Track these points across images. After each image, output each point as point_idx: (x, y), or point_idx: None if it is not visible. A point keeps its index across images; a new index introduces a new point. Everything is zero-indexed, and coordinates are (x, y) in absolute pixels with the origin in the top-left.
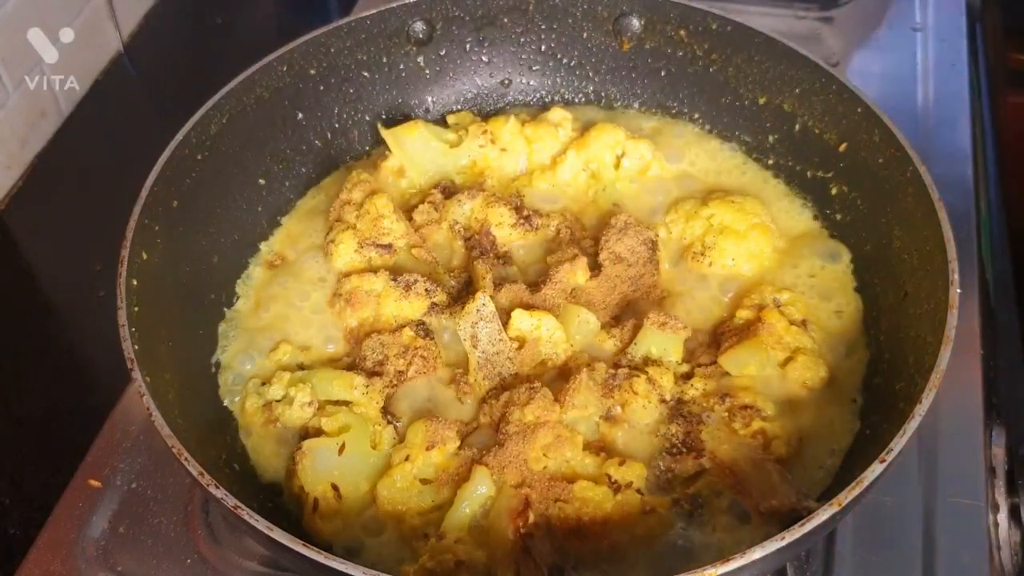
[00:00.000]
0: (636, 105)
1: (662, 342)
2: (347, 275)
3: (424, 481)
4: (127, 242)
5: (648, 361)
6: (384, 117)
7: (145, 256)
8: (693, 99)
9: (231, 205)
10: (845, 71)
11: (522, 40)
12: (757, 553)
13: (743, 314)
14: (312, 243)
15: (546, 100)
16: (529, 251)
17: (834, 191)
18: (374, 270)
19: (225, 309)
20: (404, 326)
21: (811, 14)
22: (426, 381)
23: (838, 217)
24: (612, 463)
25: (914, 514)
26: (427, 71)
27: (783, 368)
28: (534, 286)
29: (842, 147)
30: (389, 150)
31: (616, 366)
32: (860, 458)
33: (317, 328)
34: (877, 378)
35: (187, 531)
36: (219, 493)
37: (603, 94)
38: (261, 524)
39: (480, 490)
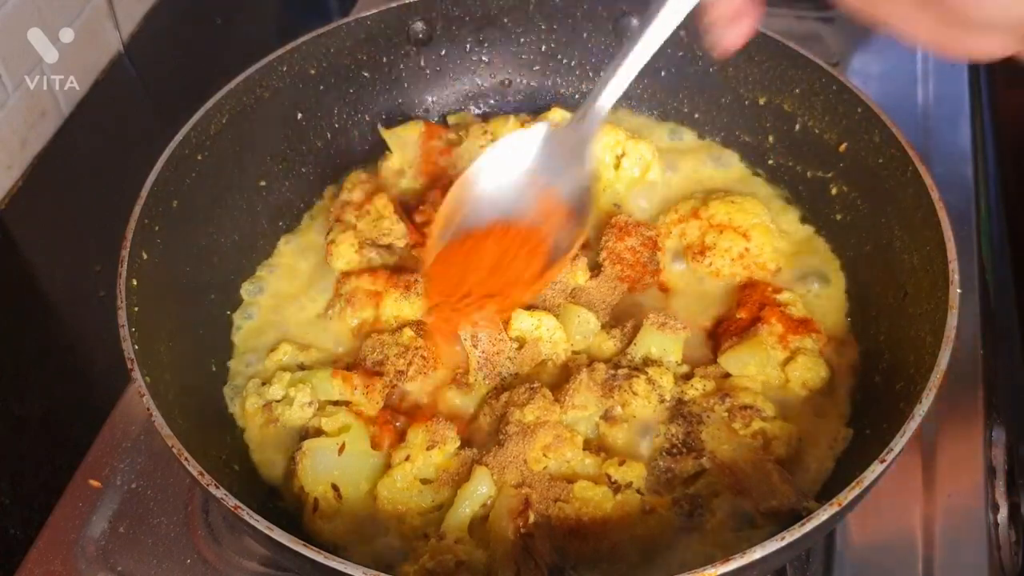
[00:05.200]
0: (636, 105)
1: (662, 342)
2: (347, 275)
3: (424, 481)
4: (127, 242)
5: (648, 361)
6: (384, 117)
7: (145, 256)
8: (693, 99)
9: (231, 205)
10: (845, 71)
11: (522, 40)
12: (757, 553)
13: (743, 314)
14: (313, 243)
15: (546, 100)
16: None
17: (834, 191)
18: (374, 270)
19: (226, 310)
20: (404, 326)
21: (811, 14)
22: (426, 381)
23: (838, 217)
24: (612, 463)
25: (914, 514)
26: (427, 71)
27: (783, 368)
28: None
29: (842, 147)
30: (389, 150)
31: (616, 366)
32: (860, 458)
33: (317, 328)
34: (877, 378)
35: (187, 531)
36: (219, 493)
37: None
38: (261, 524)
39: (480, 490)
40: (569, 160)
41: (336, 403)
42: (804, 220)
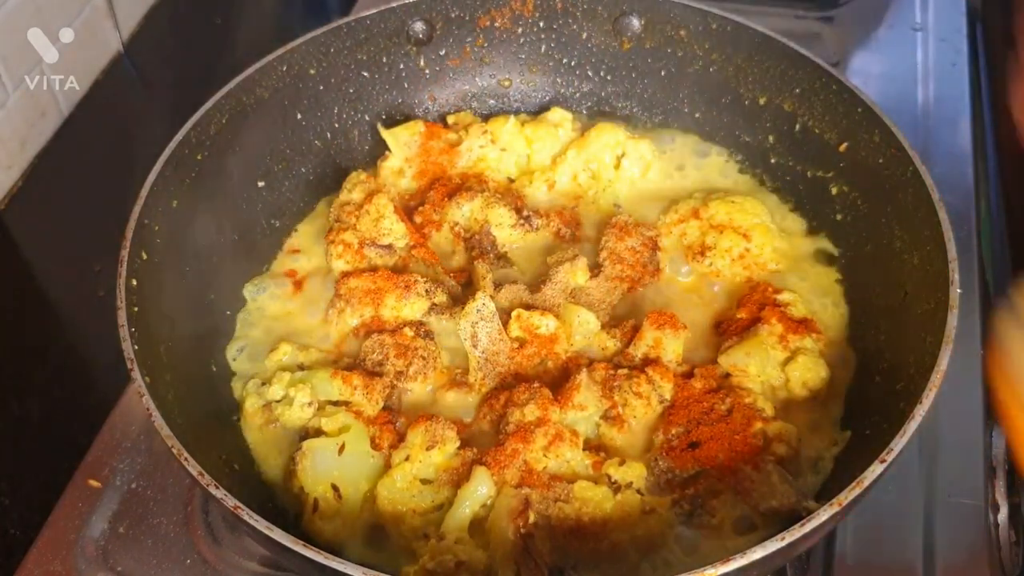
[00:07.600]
0: (636, 106)
1: (662, 342)
2: (347, 275)
3: (424, 481)
4: (127, 242)
5: (648, 361)
6: (384, 117)
7: (145, 256)
8: (693, 99)
9: (231, 205)
10: (845, 71)
11: (522, 40)
12: (757, 553)
13: (743, 314)
14: (312, 244)
15: (546, 100)
16: (529, 251)
17: (834, 191)
18: (374, 270)
19: (226, 310)
20: (404, 326)
21: (811, 14)
22: (426, 381)
23: (838, 217)
24: (612, 463)
25: (914, 514)
26: (427, 71)
27: (783, 368)
28: (534, 286)
29: (842, 147)
30: (389, 150)
31: (616, 366)
32: (860, 458)
33: (317, 328)
34: (877, 378)
35: (187, 531)
36: (219, 493)
37: (603, 94)
38: (261, 524)
39: (480, 490)
40: None
41: (336, 403)
42: (804, 220)
